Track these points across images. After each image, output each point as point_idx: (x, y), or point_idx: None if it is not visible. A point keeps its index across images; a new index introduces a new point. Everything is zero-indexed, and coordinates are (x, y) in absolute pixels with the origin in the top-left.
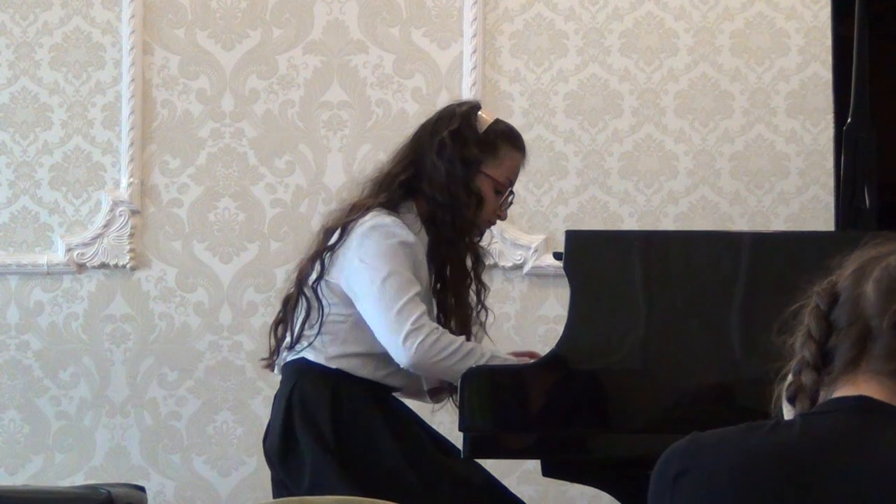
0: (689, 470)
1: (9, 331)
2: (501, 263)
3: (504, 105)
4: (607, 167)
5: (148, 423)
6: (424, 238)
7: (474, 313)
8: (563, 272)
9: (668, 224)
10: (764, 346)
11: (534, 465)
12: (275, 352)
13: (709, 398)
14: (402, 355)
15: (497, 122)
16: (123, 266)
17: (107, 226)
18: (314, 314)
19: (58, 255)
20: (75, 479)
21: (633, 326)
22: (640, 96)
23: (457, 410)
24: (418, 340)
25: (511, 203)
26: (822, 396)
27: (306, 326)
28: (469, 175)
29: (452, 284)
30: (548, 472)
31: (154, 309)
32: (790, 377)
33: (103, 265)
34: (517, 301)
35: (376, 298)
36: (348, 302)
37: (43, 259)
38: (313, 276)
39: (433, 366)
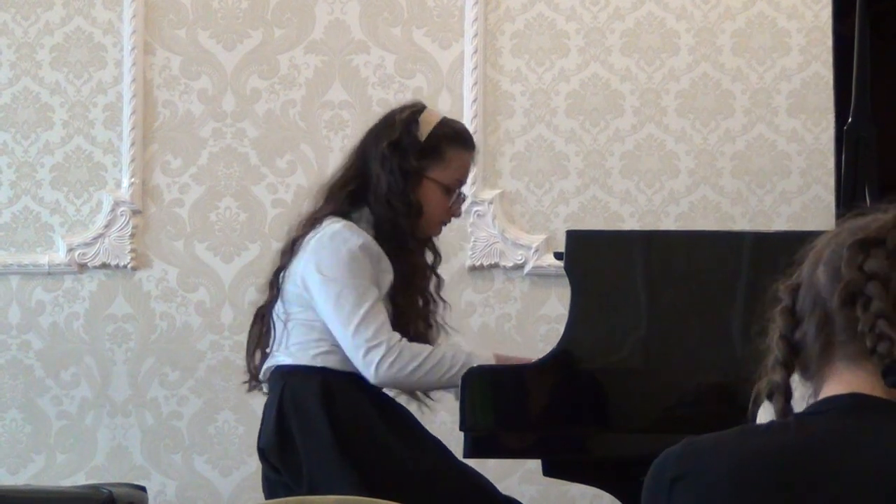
0: (685, 475)
1: (10, 331)
2: (502, 263)
3: (505, 105)
4: (608, 167)
5: (149, 423)
6: None
7: (432, 308)
8: (564, 272)
9: (669, 224)
10: (764, 346)
11: (535, 464)
12: (255, 377)
13: (710, 398)
14: (366, 374)
15: (441, 124)
16: (125, 266)
17: (108, 226)
18: (274, 334)
19: (59, 255)
20: (77, 479)
21: (634, 326)
22: (641, 96)
23: (457, 410)
24: (377, 358)
25: (464, 200)
26: (812, 391)
27: (277, 345)
28: (410, 186)
29: (401, 290)
30: (549, 471)
31: (155, 309)
32: (769, 373)
33: (104, 265)
34: (518, 301)
35: (334, 314)
36: (312, 307)
37: (44, 259)
38: (270, 300)
39: (400, 382)
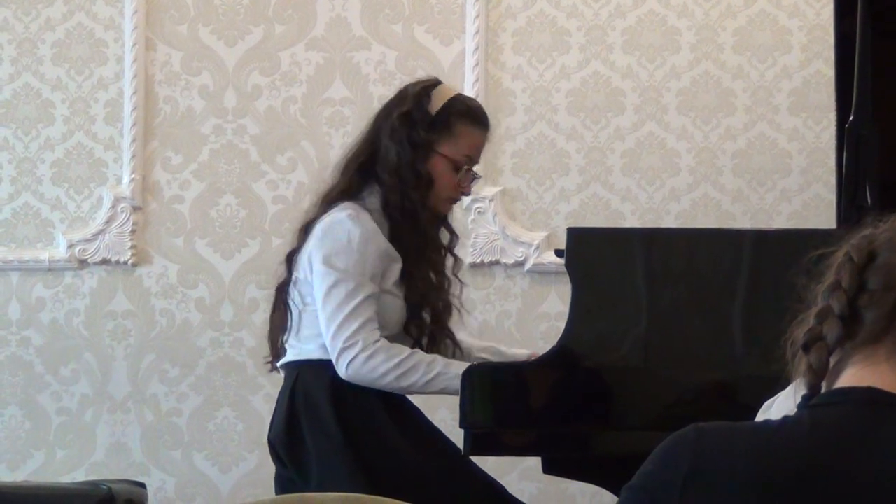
0: (700, 472)
1: (10, 327)
2: (503, 260)
3: (506, 102)
4: (609, 164)
5: (149, 420)
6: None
7: (447, 287)
8: (564, 269)
9: (669, 222)
10: (765, 343)
11: (534, 462)
12: (277, 359)
13: (710, 395)
14: (338, 370)
15: (454, 100)
16: (125, 262)
17: (108, 222)
18: (291, 319)
19: (59, 252)
20: (76, 476)
21: (634, 324)
22: (642, 93)
23: (457, 407)
24: (349, 359)
25: (474, 179)
26: (832, 363)
27: (291, 332)
28: (418, 158)
29: (415, 263)
30: (549, 469)
31: (155, 305)
32: (811, 322)
33: (105, 261)
34: (518, 298)
35: (322, 305)
36: None
37: (44, 255)
38: (286, 281)
39: (369, 383)
